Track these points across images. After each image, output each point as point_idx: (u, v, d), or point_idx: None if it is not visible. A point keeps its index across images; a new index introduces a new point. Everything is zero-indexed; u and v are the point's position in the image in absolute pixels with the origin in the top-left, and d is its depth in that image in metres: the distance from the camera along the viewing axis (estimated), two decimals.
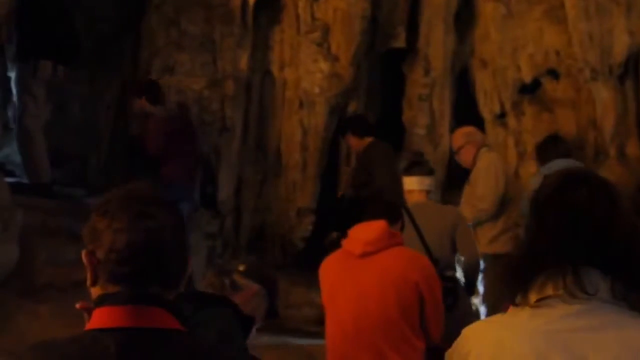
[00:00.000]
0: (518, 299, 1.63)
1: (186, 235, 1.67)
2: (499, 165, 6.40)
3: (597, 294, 1.56)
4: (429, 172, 5.30)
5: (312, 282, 7.85)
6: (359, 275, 3.76)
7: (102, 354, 1.48)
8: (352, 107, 7.98)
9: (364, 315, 3.74)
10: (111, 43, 8.09)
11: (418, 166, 5.34)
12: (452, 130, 7.80)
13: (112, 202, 1.60)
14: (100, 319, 1.56)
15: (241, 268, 3.23)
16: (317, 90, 7.64)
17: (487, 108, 8.45)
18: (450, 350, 1.70)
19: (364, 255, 3.78)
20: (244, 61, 7.73)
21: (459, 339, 1.68)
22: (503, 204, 6.36)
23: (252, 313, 3.04)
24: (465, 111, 8.47)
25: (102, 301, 1.57)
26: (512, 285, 1.65)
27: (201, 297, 2.88)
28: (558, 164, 6.41)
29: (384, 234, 3.80)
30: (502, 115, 8.45)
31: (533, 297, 1.61)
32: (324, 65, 7.60)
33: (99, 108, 8.28)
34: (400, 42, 8.00)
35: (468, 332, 1.68)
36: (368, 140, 7.04)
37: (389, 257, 3.76)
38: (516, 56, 8.12)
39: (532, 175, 6.63)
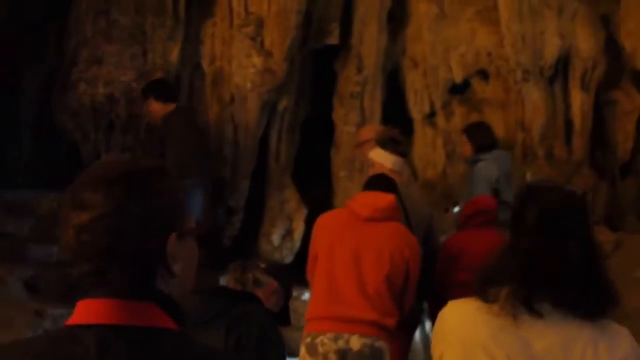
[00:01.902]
0: (482, 295, 1.95)
1: (161, 206, 1.44)
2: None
3: (545, 315, 1.88)
4: (405, 154, 5.12)
5: None
6: (360, 237, 4.06)
7: (81, 356, 1.33)
8: (283, 104, 7.87)
9: (356, 276, 4.05)
10: (35, 31, 7.80)
11: (397, 144, 5.07)
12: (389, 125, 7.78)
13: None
14: (80, 312, 1.40)
15: (262, 265, 3.37)
16: (249, 85, 7.49)
17: (416, 107, 8.47)
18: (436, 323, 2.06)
19: (370, 220, 4.08)
20: (174, 54, 7.55)
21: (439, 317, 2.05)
22: None
23: (271, 309, 3.23)
24: (395, 111, 8.46)
25: (85, 292, 1.41)
26: (480, 283, 1.98)
27: (231, 293, 3.06)
28: (499, 158, 6.42)
29: (392, 206, 4.15)
30: (431, 115, 8.47)
31: (493, 297, 1.92)
32: (257, 60, 7.46)
33: (21, 100, 7.99)
34: (333, 39, 7.92)
35: (445, 312, 2.04)
36: (171, 106, 6.75)
37: (390, 229, 4.09)
38: (447, 56, 8.14)
39: (481, 168, 6.40)
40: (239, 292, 3.14)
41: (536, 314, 1.88)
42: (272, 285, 3.28)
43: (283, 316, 3.40)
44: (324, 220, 4.34)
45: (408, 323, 4.63)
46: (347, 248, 4.07)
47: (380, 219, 4.12)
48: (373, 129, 6.11)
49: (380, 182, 4.37)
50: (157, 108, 6.75)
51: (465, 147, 6.61)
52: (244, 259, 3.56)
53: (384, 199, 4.17)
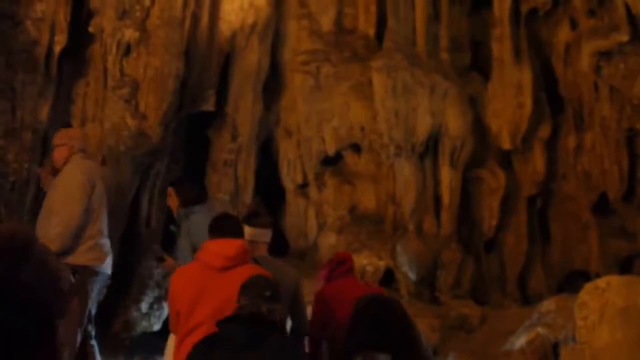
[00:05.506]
0: None
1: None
2: (86, 172, 5.82)
3: None
4: (269, 225, 5.16)
5: None
6: (218, 287, 4.08)
7: None
8: (155, 168, 7.75)
9: None
10: None
11: (259, 217, 5.16)
12: (253, 198, 7.79)
13: None
14: None
15: (267, 293, 3.54)
16: (122, 148, 7.35)
17: (289, 177, 8.51)
18: None
19: (223, 269, 4.11)
20: (44, 112, 7.34)
21: None
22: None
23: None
24: (268, 179, 8.47)
25: None
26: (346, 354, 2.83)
27: (264, 321, 3.42)
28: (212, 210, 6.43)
29: (242, 250, 4.19)
30: (304, 186, 8.51)
31: None
32: (132, 123, 7.33)
33: None
34: (209, 106, 7.90)
35: None
36: None
37: (245, 272, 4.07)
38: (321, 128, 8.24)
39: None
40: (270, 320, 3.47)
41: None
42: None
43: None
44: (180, 277, 4.27)
45: None
46: (207, 302, 4.06)
47: (233, 265, 4.16)
48: (65, 133, 5.80)
49: (225, 224, 4.34)
50: None
51: (173, 201, 6.45)
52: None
53: (232, 246, 4.20)
